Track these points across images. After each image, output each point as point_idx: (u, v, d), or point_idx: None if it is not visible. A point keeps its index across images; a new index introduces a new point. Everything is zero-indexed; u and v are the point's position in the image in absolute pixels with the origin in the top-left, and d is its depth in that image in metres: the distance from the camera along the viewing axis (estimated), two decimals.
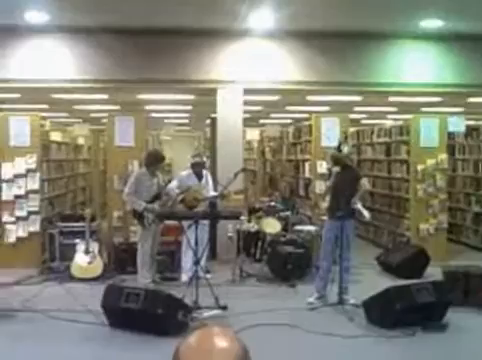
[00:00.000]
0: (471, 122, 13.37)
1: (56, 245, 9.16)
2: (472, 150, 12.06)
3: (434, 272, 8.26)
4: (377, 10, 8.46)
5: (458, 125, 10.82)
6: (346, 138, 8.39)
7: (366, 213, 8.03)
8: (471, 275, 7.33)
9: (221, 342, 1.29)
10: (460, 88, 10.49)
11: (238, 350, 1.29)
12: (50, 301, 7.31)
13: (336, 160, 7.48)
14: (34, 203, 9.44)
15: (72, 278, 8.42)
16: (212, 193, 8.64)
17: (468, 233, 11.91)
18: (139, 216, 8.07)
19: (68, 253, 8.85)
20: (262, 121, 21.37)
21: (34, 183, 9.46)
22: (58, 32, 9.37)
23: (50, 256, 9.30)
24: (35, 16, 8.60)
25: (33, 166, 9.44)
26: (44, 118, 11.26)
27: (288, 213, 9.49)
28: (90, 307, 6.78)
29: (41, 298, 7.48)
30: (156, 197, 8.14)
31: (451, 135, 11.91)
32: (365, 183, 7.98)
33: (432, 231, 10.00)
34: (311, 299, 7.30)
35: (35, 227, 9.42)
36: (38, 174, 9.51)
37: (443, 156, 10.11)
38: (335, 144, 8.17)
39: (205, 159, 9.24)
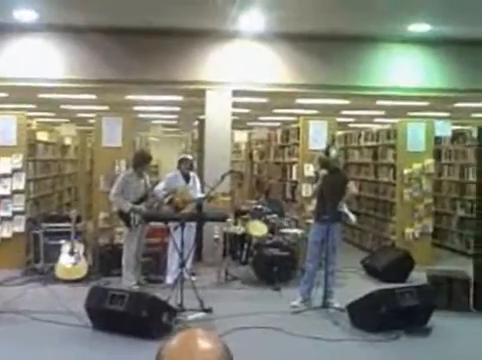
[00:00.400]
0: (457, 127, 13.44)
1: (40, 246, 9.08)
2: (458, 155, 12.13)
3: (419, 276, 8.30)
4: (366, 14, 8.49)
5: (444, 130, 10.88)
6: (334, 141, 8.40)
7: (352, 216, 8.06)
8: (455, 279, 7.37)
9: (204, 344, 1.29)
10: (447, 93, 10.55)
11: (221, 352, 1.28)
12: (33, 302, 7.25)
13: (324, 163, 7.48)
14: (19, 203, 9.37)
15: (56, 279, 8.36)
16: (199, 195, 8.62)
17: (453, 238, 11.97)
18: (125, 217, 8.04)
19: (53, 254, 8.78)
20: (250, 124, 21.38)
21: (20, 183, 9.39)
22: (47, 31, 9.33)
23: (34, 257, 9.23)
24: (23, 14, 8.53)
25: (19, 166, 9.38)
26: (31, 118, 11.19)
27: (274, 216, 9.49)
28: (74, 309, 6.73)
29: (24, 299, 7.41)
30: (143, 198, 8.12)
31: (438, 140, 11.98)
32: (352, 186, 7.99)
33: (417, 235, 10.05)
34: (295, 302, 7.30)
35: (20, 227, 9.35)
36: (24, 174, 9.44)
37: (429, 160, 10.16)
38: (323, 147, 8.20)
39: (192, 157, 9.20)
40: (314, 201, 7.89)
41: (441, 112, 16.21)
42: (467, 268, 7.78)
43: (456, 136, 12.16)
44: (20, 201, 9.38)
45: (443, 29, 9.18)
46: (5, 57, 9.41)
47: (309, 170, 9.74)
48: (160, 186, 8.62)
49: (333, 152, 7.65)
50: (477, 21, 8.65)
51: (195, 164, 9.89)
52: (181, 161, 8.66)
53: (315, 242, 7.37)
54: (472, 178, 10.81)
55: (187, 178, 8.63)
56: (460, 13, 8.33)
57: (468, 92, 10.50)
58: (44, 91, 12.17)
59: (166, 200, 8.44)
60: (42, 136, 11.14)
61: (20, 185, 9.39)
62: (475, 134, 9.44)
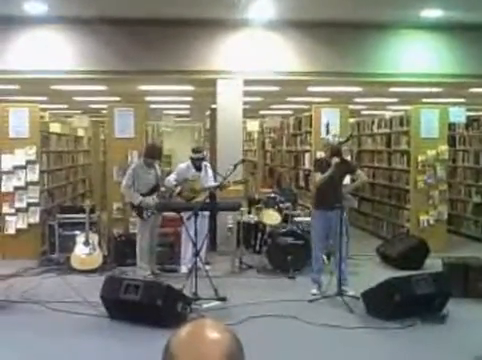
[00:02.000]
0: (472, 113, 13.31)
1: (55, 237, 9.15)
2: (473, 141, 12.03)
3: (434, 263, 8.26)
4: (377, 0, 8.41)
5: (459, 116, 10.78)
6: (328, 126, 8.38)
7: (354, 200, 8.03)
8: (471, 266, 7.32)
9: (212, 333, 1.28)
10: (461, 78, 10.44)
11: (229, 341, 1.27)
12: (49, 292, 7.31)
13: (336, 151, 7.41)
14: (34, 194, 9.43)
15: (71, 270, 8.42)
16: (211, 183, 8.59)
17: (468, 224, 11.89)
18: (137, 208, 8.07)
19: (67, 245, 8.84)
20: (262, 112, 21.32)
21: (34, 174, 9.45)
22: (57, 23, 9.32)
23: (49, 248, 9.31)
24: (34, 6, 8.53)
25: (33, 157, 9.43)
26: (44, 110, 11.23)
27: (288, 204, 9.47)
28: (89, 299, 6.79)
29: (40, 290, 7.48)
30: (154, 189, 8.13)
31: (452, 126, 11.88)
32: (361, 174, 7.93)
33: (432, 222, 9.99)
34: (314, 290, 7.31)
35: (35, 219, 9.42)
36: (38, 165, 9.50)
37: (443, 147, 10.08)
38: (332, 134, 8.13)
39: (205, 154, 9.18)
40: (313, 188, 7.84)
41: (456, 98, 16.05)
42: None
43: (471, 122, 12.05)
44: (34, 192, 9.44)
45: (456, 14, 9.07)
46: (16, 50, 9.42)
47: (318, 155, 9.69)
48: (172, 177, 8.63)
49: (336, 139, 7.61)
50: None
51: (207, 154, 9.87)
52: (193, 161, 8.58)
53: (321, 230, 7.35)
54: None
55: (199, 168, 8.61)
56: None
57: (481, 77, 10.38)
58: (56, 83, 12.19)
59: (177, 190, 8.44)
60: (55, 128, 11.19)
61: (34, 177, 9.45)
62: None
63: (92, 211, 9.15)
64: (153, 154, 8.22)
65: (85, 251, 8.55)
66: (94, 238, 8.71)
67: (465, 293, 7.13)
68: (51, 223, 9.36)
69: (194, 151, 8.72)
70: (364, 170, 11.51)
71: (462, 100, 16.61)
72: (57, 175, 11.14)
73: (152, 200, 8.03)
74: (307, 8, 8.82)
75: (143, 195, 8.05)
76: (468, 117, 11.55)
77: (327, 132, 7.83)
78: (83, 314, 6.44)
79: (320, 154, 9.23)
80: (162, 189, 8.25)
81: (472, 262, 7.47)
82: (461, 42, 9.95)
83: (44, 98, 15.79)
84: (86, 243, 8.59)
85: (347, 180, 8.31)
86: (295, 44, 9.83)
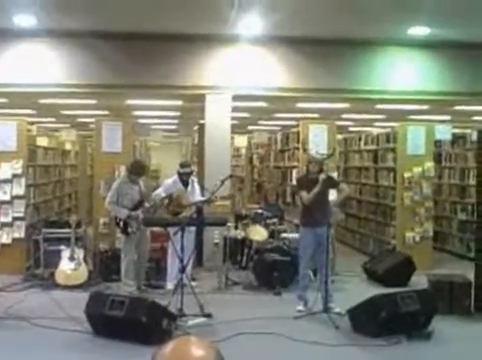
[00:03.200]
0: (457, 130, 13.43)
1: (41, 251, 9.08)
2: (458, 158, 12.12)
3: (420, 280, 8.29)
4: (365, 17, 8.49)
5: (445, 133, 10.87)
6: (304, 144, 8.45)
7: (340, 214, 8.05)
8: (456, 283, 7.34)
9: (196, 350, 1.28)
10: (447, 96, 10.53)
11: (213, 358, 1.28)
12: (34, 308, 7.23)
13: (319, 165, 7.42)
14: (19, 209, 9.36)
15: (56, 285, 8.34)
16: (198, 198, 8.59)
17: (454, 241, 11.94)
18: (123, 224, 8.03)
19: (53, 260, 8.76)
20: (250, 127, 21.38)
21: (20, 188, 9.38)
22: (46, 36, 9.33)
23: (34, 263, 9.23)
24: (23, 19, 8.53)
25: (19, 171, 9.37)
26: (31, 123, 11.19)
27: (275, 220, 9.48)
28: (74, 314, 6.73)
29: (25, 305, 7.39)
30: (139, 204, 8.11)
31: (438, 143, 11.97)
32: (345, 188, 7.95)
33: (418, 239, 10.03)
34: (300, 307, 7.29)
35: (20, 233, 9.33)
36: (24, 179, 9.43)
37: (430, 164, 10.15)
38: (321, 151, 8.16)
39: (193, 169, 9.19)
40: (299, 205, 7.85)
41: (441, 115, 16.20)
42: (468, 272, 7.76)
43: (456, 139, 12.14)
44: (20, 207, 9.36)
45: (443, 32, 9.17)
46: (4, 62, 9.41)
47: (300, 173, 9.72)
48: (159, 191, 8.63)
49: (319, 155, 7.63)
50: (477, 24, 8.65)
51: (195, 169, 9.87)
52: (181, 175, 8.60)
53: (308, 246, 7.34)
54: (472, 181, 10.79)
55: (186, 183, 8.61)
56: (460, 16, 8.33)
57: (468, 95, 10.49)
58: (44, 96, 12.17)
59: (164, 203, 8.43)
60: (42, 141, 11.14)
61: (20, 190, 9.38)
62: (475, 137, 9.44)
63: (78, 226, 9.10)
64: (137, 170, 8.22)
65: (70, 266, 8.48)
66: (79, 253, 8.64)
67: (450, 310, 7.15)
68: (36, 238, 9.28)
69: (182, 165, 8.73)
70: (350, 186, 11.55)
71: (448, 117, 16.77)
72: (43, 189, 11.08)
73: (139, 214, 8.01)
74: (295, 25, 8.89)
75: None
76: (454, 134, 11.65)
77: (304, 149, 7.87)
78: (68, 330, 6.37)
79: (299, 171, 9.27)
80: (146, 204, 8.22)
81: (457, 279, 7.50)
82: (448, 60, 10.06)
83: (32, 111, 15.74)
84: (71, 258, 8.52)
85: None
86: (283, 60, 9.89)
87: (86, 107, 15.06)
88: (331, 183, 7.52)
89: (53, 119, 19.28)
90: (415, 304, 6.35)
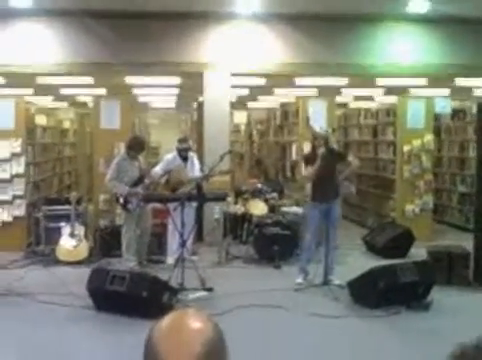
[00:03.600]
0: (457, 103, 13.38)
1: (41, 229, 9.11)
2: (458, 131, 12.10)
3: (419, 252, 8.32)
4: None
5: (444, 107, 10.86)
6: (308, 119, 8.39)
7: (352, 187, 8.04)
8: (455, 255, 7.39)
9: (193, 323, 1.29)
10: (447, 69, 10.48)
11: (210, 330, 1.29)
12: (35, 285, 7.28)
13: (324, 140, 7.38)
14: (19, 187, 9.38)
15: (58, 261, 8.39)
16: (197, 174, 8.60)
17: (453, 213, 11.98)
18: (123, 201, 8.05)
19: (53, 237, 8.80)
20: (250, 104, 21.29)
21: (19, 167, 9.39)
22: (42, 16, 9.29)
23: (35, 240, 9.27)
24: (19, 0, 8.47)
25: (18, 150, 9.37)
26: (29, 102, 11.17)
27: (274, 195, 9.50)
28: (76, 290, 6.78)
29: (26, 282, 7.44)
30: (139, 180, 8.12)
31: (437, 117, 11.95)
32: (354, 160, 7.94)
33: (418, 212, 10.06)
34: (299, 280, 7.33)
35: (20, 211, 9.36)
36: (23, 158, 9.44)
37: (429, 137, 10.14)
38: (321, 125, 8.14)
39: (191, 143, 9.20)
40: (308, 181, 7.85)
41: (441, 89, 16.11)
42: (468, 243, 7.79)
43: (456, 113, 12.11)
44: (20, 185, 9.38)
45: (442, 7, 9.10)
46: (1, 42, 9.38)
47: (308, 148, 9.71)
48: (158, 167, 8.64)
49: (323, 129, 7.61)
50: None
51: (194, 146, 9.87)
52: (179, 151, 8.61)
53: (314, 220, 7.36)
54: (472, 154, 10.79)
55: (185, 159, 8.62)
56: None
57: (468, 69, 10.44)
58: (42, 76, 12.11)
59: (162, 180, 8.45)
60: (41, 120, 11.13)
61: (20, 169, 9.39)
62: (475, 110, 9.42)
63: (78, 203, 9.12)
64: (136, 147, 8.22)
65: (71, 243, 8.52)
66: (80, 230, 8.68)
67: (449, 281, 7.20)
68: (36, 215, 9.31)
69: (180, 141, 8.75)
70: (351, 156, 11.54)
71: (447, 92, 16.68)
72: (43, 167, 11.09)
73: (139, 190, 8.02)
74: (293, 1, 8.82)
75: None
76: (453, 108, 11.62)
77: (309, 125, 7.86)
78: (69, 306, 6.43)
79: (307, 146, 9.24)
80: (146, 181, 8.24)
81: (456, 250, 7.54)
82: (447, 34, 10.01)
83: (30, 91, 15.67)
84: (72, 235, 8.57)
85: None
86: (281, 37, 9.84)
87: (84, 86, 14.98)
88: (338, 157, 7.51)
89: (51, 98, 19.19)
90: (414, 275, 6.39)
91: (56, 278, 7.53)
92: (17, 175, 9.38)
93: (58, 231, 8.70)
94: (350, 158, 7.87)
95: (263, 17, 9.47)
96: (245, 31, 9.83)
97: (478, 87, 15.39)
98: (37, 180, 10.51)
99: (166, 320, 1.31)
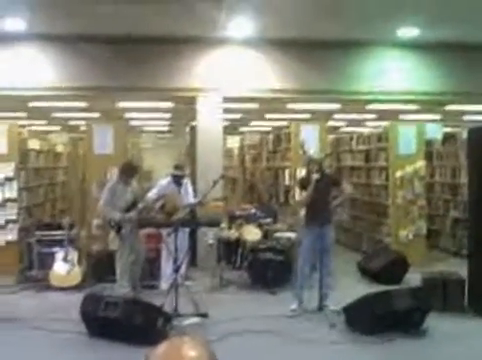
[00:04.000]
0: (448, 129, 13.50)
1: (34, 254, 9.05)
2: (449, 157, 12.18)
3: (413, 278, 8.31)
4: (355, 19, 8.54)
5: (436, 132, 10.95)
6: (303, 144, 8.44)
7: (345, 214, 8.06)
8: (449, 281, 7.38)
9: (189, 351, 1.28)
10: (437, 96, 10.59)
11: (207, 359, 1.28)
12: (28, 310, 7.22)
13: (319, 165, 7.42)
14: (12, 211, 9.34)
15: (50, 287, 8.33)
16: (191, 200, 8.62)
17: (446, 239, 12.00)
18: (117, 226, 8.01)
19: (46, 262, 8.75)
20: (242, 129, 21.40)
21: (12, 191, 9.37)
22: (36, 40, 9.33)
23: (28, 265, 9.20)
24: (12, 24, 8.53)
25: (11, 174, 9.35)
26: (22, 126, 11.16)
27: (268, 220, 9.50)
28: (69, 316, 6.71)
29: (19, 307, 7.38)
30: (132, 205, 8.09)
31: (429, 142, 12.04)
32: (347, 186, 7.98)
33: (411, 237, 10.08)
34: (294, 306, 7.29)
35: (13, 236, 9.32)
36: (16, 182, 9.41)
37: (421, 163, 10.21)
38: (314, 151, 8.19)
39: (186, 171, 9.21)
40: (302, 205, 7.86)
41: (432, 115, 16.28)
42: (461, 269, 7.79)
43: (447, 138, 12.21)
44: (13, 209, 9.35)
45: (431, 33, 9.23)
46: None
47: (301, 174, 9.74)
48: (152, 192, 8.64)
49: (311, 151, 7.65)
50: (465, 25, 8.72)
51: (188, 170, 9.87)
52: (174, 178, 8.64)
53: (308, 246, 7.36)
54: (464, 179, 10.85)
55: (179, 185, 8.63)
56: (448, 17, 8.39)
57: (457, 95, 10.56)
58: (35, 100, 12.15)
59: (157, 205, 8.44)
60: (34, 144, 11.13)
61: (12, 193, 9.37)
62: (465, 136, 9.50)
63: (71, 228, 9.08)
64: (129, 172, 8.21)
65: (64, 268, 8.47)
66: (73, 255, 8.63)
67: (444, 307, 7.18)
68: (29, 240, 9.26)
69: (176, 167, 8.76)
70: (344, 183, 11.59)
71: (438, 117, 16.85)
72: (36, 192, 11.06)
73: (133, 216, 7.98)
74: (285, 26, 8.92)
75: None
76: (444, 133, 11.71)
77: (303, 150, 7.89)
78: (62, 331, 6.36)
79: (301, 171, 9.28)
80: (140, 205, 8.22)
81: (451, 277, 7.53)
82: (437, 60, 10.12)
83: (23, 114, 15.70)
84: (65, 260, 8.52)
85: None
86: (273, 62, 9.92)
87: (77, 110, 15.03)
88: (332, 182, 7.54)
89: (44, 122, 19.23)
90: (409, 301, 6.38)
91: (49, 303, 7.47)
92: (10, 199, 9.35)
93: (51, 256, 8.65)
94: (344, 184, 7.90)
95: (255, 42, 9.56)
96: (237, 56, 9.91)
97: (468, 112, 15.57)
98: (30, 205, 10.48)
99: (162, 348, 1.31)
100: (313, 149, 8.21)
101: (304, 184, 7.45)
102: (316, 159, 7.47)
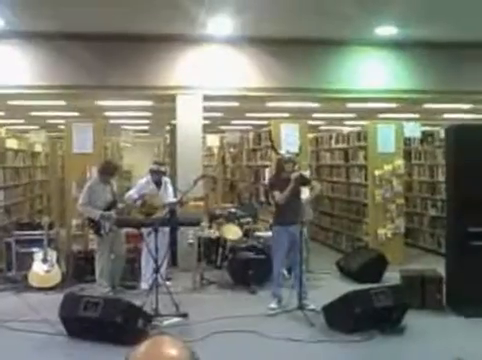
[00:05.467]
0: (427, 128, 13.62)
1: (13, 254, 8.97)
2: (427, 155, 12.29)
3: (392, 276, 8.38)
4: (334, 17, 8.56)
5: (414, 131, 11.04)
6: (272, 142, 8.49)
7: (310, 212, 8.14)
8: (428, 278, 7.46)
9: (170, 350, 1.29)
10: (415, 94, 10.67)
11: (187, 358, 1.29)
12: (6, 311, 7.15)
13: (293, 164, 7.46)
14: None
15: (29, 287, 8.26)
16: (171, 199, 8.60)
17: (425, 237, 12.12)
18: (94, 226, 7.97)
19: (25, 262, 8.66)
20: (222, 127, 21.40)
21: None
22: (14, 37, 9.21)
23: (6, 265, 9.10)
24: None
25: None
26: (0, 125, 11.05)
27: (249, 219, 9.52)
28: (48, 317, 6.67)
29: None
30: (112, 205, 8.06)
31: (407, 141, 12.14)
32: (317, 185, 8.03)
33: (390, 235, 10.16)
34: (273, 305, 7.32)
35: None
36: None
37: (400, 161, 10.29)
38: (292, 149, 8.21)
39: (165, 169, 9.19)
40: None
41: (411, 114, 16.42)
42: (439, 266, 7.88)
43: (425, 137, 12.32)
44: None
45: (409, 32, 9.30)
46: None
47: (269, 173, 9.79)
48: (131, 192, 8.61)
49: (290, 154, 7.67)
50: (442, 24, 8.79)
51: (168, 169, 9.84)
52: (152, 173, 8.61)
53: (281, 245, 7.38)
54: (442, 178, 10.96)
55: (159, 184, 8.60)
56: (425, 17, 8.46)
57: (435, 93, 10.65)
58: (13, 98, 12.03)
59: (137, 204, 8.42)
60: (12, 143, 11.02)
61: None
62: (443, 135, 9.60)
63: (50, 227, 9.01)
64: (108, 171, 8.18)
65: (43, 268, 8.40)
66: (52, 255, 8.56)
67: (423, 305, 7.26)
68: (8, 240, 9.16)
69: (155, 163, 8.76)
70: (323, 184, 11.66)
71: (416, 116, 17.00)
72: (14, 191, 10.96)
73: (112, 214, 7.95)
74: (265, 25, 8.92)
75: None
76: (423, 132, 11.82)
77: (274, 148, 7.94)
78: (42, 333, 6.32)
79: (269, 171, 9.29)
80: (120, 205, 8.19)
81: (429, 274, 7.61)
82: (415, 58, 10.18)
83: (0, 113, 15.54)
84: (44, 260, 8.45)
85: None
86: (253, 60, 9.92)
87: (56, 108, 14.91)
88: (303, 181, 7.58)
89: (22, 120, 19.05)
90: (388, 299, 6.43)
91: (28, 305, 7.39)
92: None
93: (30, 256, 8.57)
94: (313, 183, 7.95)
95: (235, 40, 9.55)
96: (217, 54, 9.89)
97: (447, 111, 15.72)
98: (8, 204, 10.37)
99: (142, 347, 1.31)
100: (286, 148, 8.22)
101: (274, 184, 7.48)
102: (286, 158, 7.48)
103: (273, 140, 8.71)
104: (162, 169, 8.70)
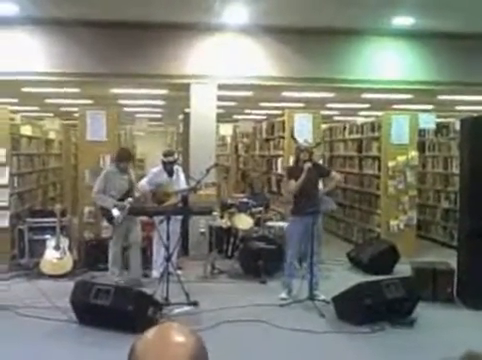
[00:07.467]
0: (441, 119, 13.52)
1: (25, 241, 9.03)
2: (442, 147, 12.21)
3: (403, 268, 8.35)
4: (350, 7, 8.49)
5: (429, 122, 10.95)
6: (292, 132, 8.44)
7: (333, 203, 8.11)
8: (439, 271, 7.43)
9: (177, 337, 1.29)
10: (431, 85, 10.59)
11: (194, 345, 1.29)
12: (18, 298, 7.20)
13: (309, 154, 7.43)
14: (3, 198, 9.27)
15: (42, 274, 8.32)
16: (183, 186, 8.58)
17: (437, 229, 12.06)
18: (108, 215, 7.95)
19: (38, 249, 8.73)
20: (236, 117, 21.36)
21: (3, 177, 9.31)
22: (28, 24, 9.22)
23: (19, 252, 9.17)
24: (4, 8, 8.45)
25: (2, 160, 9.29)
26: (14, 112, 11.10)
27: (260, 209, 9.51)
28: (59, 304, 6.72)
29: (9, 295, 7.37)
30: (127, 194, 8.02)
31: (421, 132, 12.05)
32: (336, 175, 7.98)
33: (402, 227, 10.12)
34: (283, 295, 7.33)
35: (4, 223, 9.26)
36: (7, 168, 9.35)
37: (413, 153, 10.22)
38: (308, 139, 8.18)
39: (176, 157, 9.17)
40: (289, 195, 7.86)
41: (425, 105, 16.28)
42: (451, 259, 7.84)
43: (440, 128, 12.23)
44: (4, 196, 9.28)
45: (427, 22, 9.21)
46: None
47: (289, 163, 9.74)
48: (144, 181, 8.61)
49: (308, 143, 7.64)
50: (460, 14, 8.70)
51: (180, 158, 9.84)
52: (165, 165, 8.58)
53: (296, 235, 7.37)
54: (456, 170, 10.88)
55: (171, 173, 8.60)
56: (442, 7, 8.37)
57: (450, 85, 10.56)
58: (27, 85, 12.07)
59: (150, 194, 8.43)
60: (26, 130, 11.06)
61: (4, 180, 9.30)
62: (458, 126, 9.51)
63: (63, 215, 9.06)
64: (125, 157, 8.13)
65: (55, 255, 8.46)
66: (65, 242, 8.61)
67: (434, 297, 7.24)
68: (21, 227, 9.22)
69: (165, 155, 8.70)
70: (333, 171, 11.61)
71: (431, 107, 16.86)
72: (28, 178, 11.01)
73: (127, 204, 7.87)
74: (280, 14, 8.88)
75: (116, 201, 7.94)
76: (437, 123, 11.73)
77: (293, 138, 7.89)
78: (53, 319, 6.37)
79: (291, 160, 9.26)
80: (136, 194, 8.16)
81: (440, 267, 7.58)
82: (431, 49, 10.09)
83: (15, 100, 15.61)
84: (57, 247, 8.50)
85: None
86: (268, 49, 9.88)
87: (70, 96, 14.96)
88: (321, 171, 7.55)
89: (37, 108, 19.13)
90: (399, 291, 6.42)
91: (40, 291, 7.43)
92: (1, 185, 9.28)
93: (42, 243, 8.62)
94: (333, 173, 7.92)
95: (250, 29, 9.51)
96: (232, 43, 9.86)
97: (462, 102, 15.58)
98: (21, 191, 10.42)
99: (150, 334, 1.31)
100: (303, 138, 8.18)
101: (291, 173, 7.46)
102: (306, 148, 7.46)
103: (292, 129, 8.69)
104: (171, 159, 8.66)
